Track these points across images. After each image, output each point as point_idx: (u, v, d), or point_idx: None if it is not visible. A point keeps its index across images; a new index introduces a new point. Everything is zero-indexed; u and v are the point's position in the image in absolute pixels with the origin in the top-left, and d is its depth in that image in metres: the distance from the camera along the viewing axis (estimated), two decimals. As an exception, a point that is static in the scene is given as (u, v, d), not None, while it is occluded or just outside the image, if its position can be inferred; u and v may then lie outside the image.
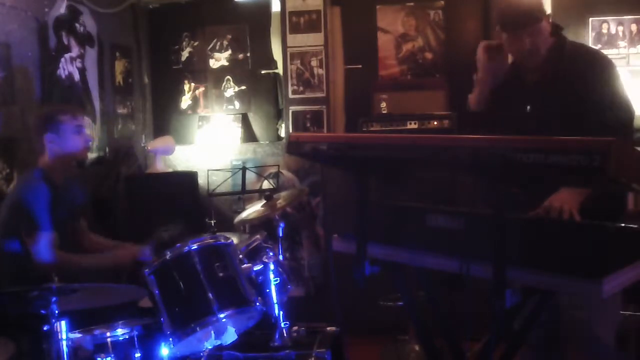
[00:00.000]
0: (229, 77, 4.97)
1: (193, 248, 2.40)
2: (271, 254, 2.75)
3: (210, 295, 2.34)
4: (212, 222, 3.09)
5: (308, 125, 4.50)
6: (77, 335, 2.27)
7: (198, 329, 2.30)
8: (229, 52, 4.96)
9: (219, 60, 4.98)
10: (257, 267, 2.68)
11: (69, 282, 2.09)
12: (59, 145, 2.88)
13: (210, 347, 2.43)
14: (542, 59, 2.52)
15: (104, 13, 4.31)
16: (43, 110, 3.17)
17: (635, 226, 1.72)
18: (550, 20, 2.59)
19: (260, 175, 4.46)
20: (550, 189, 2.21)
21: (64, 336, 2.07)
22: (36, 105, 3.55)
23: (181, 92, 5.05)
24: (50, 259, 2.76)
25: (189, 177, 4.60)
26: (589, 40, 4.28)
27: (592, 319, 2.33)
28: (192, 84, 5.03)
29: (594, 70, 2.48)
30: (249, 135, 4.94)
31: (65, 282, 2.09)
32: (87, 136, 3.01)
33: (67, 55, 3.87)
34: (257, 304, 2.44)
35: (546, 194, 2.22)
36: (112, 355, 2.30)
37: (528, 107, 2.57)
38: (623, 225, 1.73)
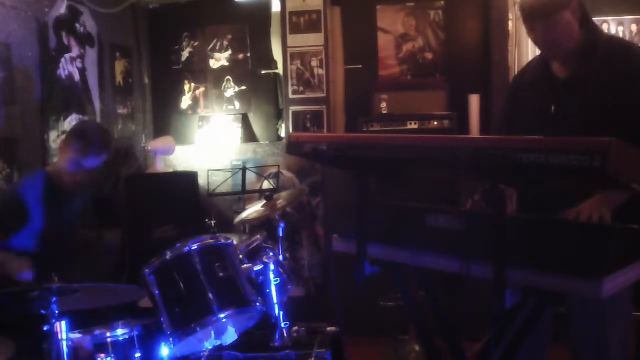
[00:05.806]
0: (229, 77, 4.97)
1: (193, 248, 2.41)
2: (271, 254, 2.75)
3: (210, 295, 2.34)
4: (212, 222, 3.08)
5: (308, 125, 4.50)
6: (77, 335, 2.28)
7: (198, 329, 2.29)
8: (229, 52, 4.96)
9: (219, 60, 4.97)
10: (257, 267, 2.68)
11: (69, 282, 2.09)
12: (77, 162, 2.88)
13: (210, 347, 2.43)
14: (570, 54, 2.32)
15: (104, 13, 4.31)
16: (87, 126, 3.26)
17: (636, 226, 1.71)
18: (579, 11, 2.35)
19: (260, 175, 4.46)
20: (582, 192, 2.10)
21: (64, 336, 2.07)
22: (36, 105, 3.55)
23: (181, 92, 5.05)
24: None
25: (189, 177, 4.59)
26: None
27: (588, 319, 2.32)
28: (192, 84, 5.03)
29: (629, 67, 2.24)
30: (249, 135, 4.94)
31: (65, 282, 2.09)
32: (101, 165, 3.00)
33: (67, 55, 3.87)
34: (257, 304, 2.44)
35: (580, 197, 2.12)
36: (112, 355, 2.30)
37: (553, 107, 2.37)
38: (623, 225, 1.73)
